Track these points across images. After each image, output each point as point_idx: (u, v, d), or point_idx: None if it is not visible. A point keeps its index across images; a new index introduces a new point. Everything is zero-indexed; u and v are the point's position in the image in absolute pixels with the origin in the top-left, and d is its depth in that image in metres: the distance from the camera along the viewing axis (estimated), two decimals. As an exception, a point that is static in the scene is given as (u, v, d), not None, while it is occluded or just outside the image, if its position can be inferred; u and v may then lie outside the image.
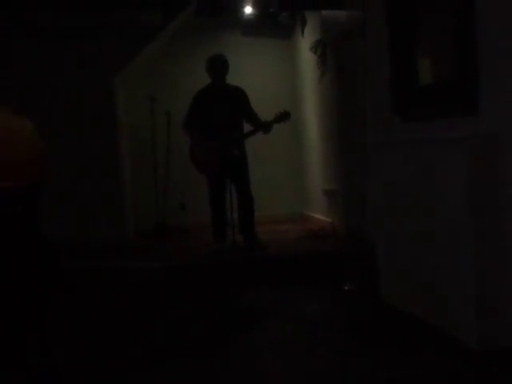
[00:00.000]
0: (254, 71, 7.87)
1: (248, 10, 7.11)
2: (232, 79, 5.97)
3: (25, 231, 2.95)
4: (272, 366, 3.37)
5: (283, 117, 5.76)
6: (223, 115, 5.74)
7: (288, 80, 8.12)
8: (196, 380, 3.22)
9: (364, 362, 3.31)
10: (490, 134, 3.28)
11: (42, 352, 2.94)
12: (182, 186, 7.51)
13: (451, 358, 3.24)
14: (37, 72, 6.13)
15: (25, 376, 2.89)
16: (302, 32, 7.04)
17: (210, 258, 5.63)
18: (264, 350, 3.62)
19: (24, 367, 2.89)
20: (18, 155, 2.93)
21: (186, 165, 6.13)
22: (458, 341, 3.38)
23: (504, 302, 3.25)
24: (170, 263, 5.40)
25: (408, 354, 3.36)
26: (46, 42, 6.10)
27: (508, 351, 3.19)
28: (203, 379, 3.22)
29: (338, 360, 3.38)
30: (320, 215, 7.33)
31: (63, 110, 6.18)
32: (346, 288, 4.66)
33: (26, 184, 2.93)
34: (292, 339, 3.78)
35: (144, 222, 7.38)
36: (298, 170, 8.11)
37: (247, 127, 5.92)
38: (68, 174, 6.10)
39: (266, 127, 5.79)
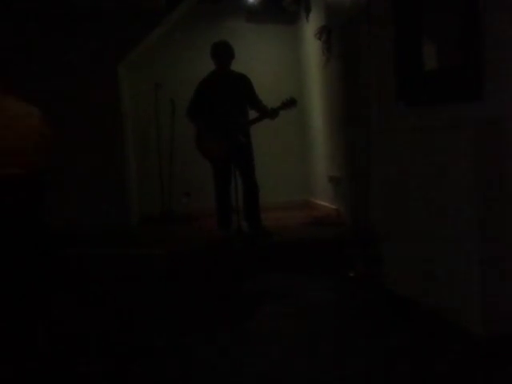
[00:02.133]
0: (258, 58, 7.84)
1: (252, -5, 7.08)
2: (236, 66, 5.95)
3: (26, 217, 2.95)
4: (274, 351, 3.37)
5: (290, 103, 5.75)
6: (228, 102, 5.73)
7: (293, 66, 8.08)
8: (196, 367, 3.23)
9: (367, 349, 3.31)
10: (494, 119, 3.26)
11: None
12: (187, 173, 7.52)
13: (456, 344, 3.23)
14: (38, 60, 6.12)
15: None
16: (307, 18, 7.00)
17: (215, 244, 5.63)
18: (266, 336, 3.62)
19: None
20: (23, 142, 2.93)
21: (190, 151, 6.14)
22: (462, 327, 3.38)
23: (509, 287, 3.24)
24: (174, 250, 5.41)
25: (413, 341, 3.35)
26: (46, 29, 6.07)
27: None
28: (204, 365, 3.23)
29: (341, 347, 3.38)
30: (325, 202, 7.32)
31: (66, 98, 6.18)
32: (351, 275, 4.66)
33: (29, 171, 2.93)
34: (295, 326, 3.78)
35: (149, 208, 7.40)
36: (303, 156, 8.09)
37: (252, 114, 5.91)
38: (72, 162, 6.12)
39: (272, 114, 5.79)
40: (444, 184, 3.53)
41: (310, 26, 7.08)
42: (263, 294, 4.52)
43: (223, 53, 5.78)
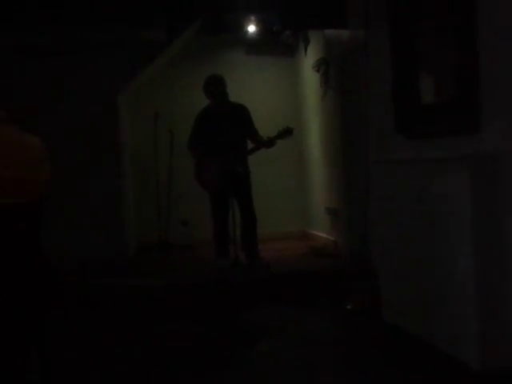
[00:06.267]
0: (256, 89, 7.90)
1: (251, 28, 7.14)
2: (235, 97, 6.00)
3: (27, 247, 2.95)
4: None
5: (286, 133, 5.78)
6: (227, 133, 5.75)
7: (291, 98, 8.13)
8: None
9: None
10: (492, 153, 3.27)
11: (41, 366, 2.93)
12: (184, 203, 7.51)
13: (453, 380, 3.20)
14: (37, 92, 6.14)
15: None
16: (305, 50, 7.06)
17: (212, 275, 5.61)
18: (264, 370, 3.59)
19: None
20: (25, 172, 2.95)
21: (189, 181, 6.15)
22: (459, 362, 3.35)
23: (507, 324, 3.22)
24: (172, 281, 5.37)
25: (410, 377, 3.32)
26: (46, 60, 6.10)
27: (510, 371, 3.16)
28: None
29: (340, 382, 3.34)
30: (322, 233, 7.31)
31: (65, 129, 6.18)
32: (348, 307, 4.63)
33: (30, 200, 2.94)
34: (293, 360, 3.74)
35: (146, 239, 7.38)
36: (301, 188, 8.10)
37: (249, 144, 5.94)
38: (70, 192, 6.10)
39: (268, 143, 5.82)
40: (442, 216, 3.53)
41: (309, 59, 7.15)
42: (261, 325, 4.48)
43: (220, 88, 5.83)
